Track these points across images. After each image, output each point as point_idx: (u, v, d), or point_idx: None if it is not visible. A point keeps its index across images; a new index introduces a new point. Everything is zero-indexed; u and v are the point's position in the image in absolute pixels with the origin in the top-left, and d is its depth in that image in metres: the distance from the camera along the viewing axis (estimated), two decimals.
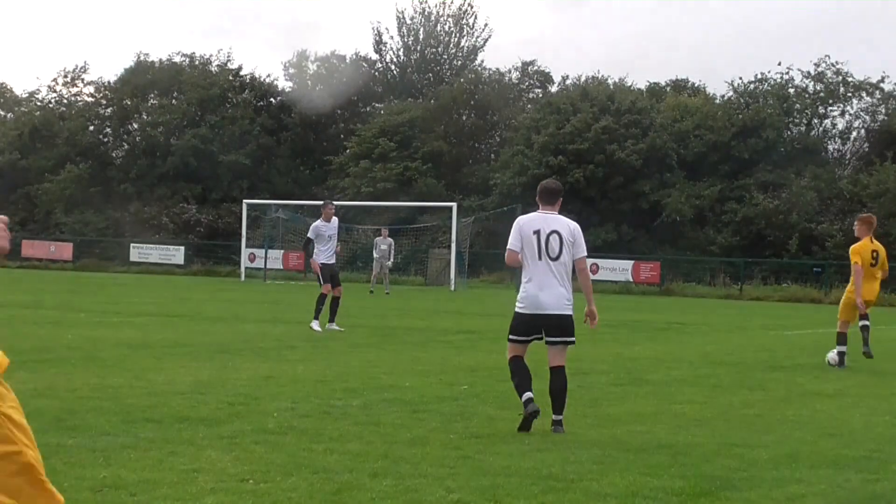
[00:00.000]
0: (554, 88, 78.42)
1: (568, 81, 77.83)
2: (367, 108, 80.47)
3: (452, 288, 52.56)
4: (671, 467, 9.47)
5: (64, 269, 65.40)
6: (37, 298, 33.54)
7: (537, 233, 11.47)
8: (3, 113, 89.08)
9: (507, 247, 11.64)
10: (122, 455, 9.29)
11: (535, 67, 79.56)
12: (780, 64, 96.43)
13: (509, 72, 79.27)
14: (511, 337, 11.70)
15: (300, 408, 12.08)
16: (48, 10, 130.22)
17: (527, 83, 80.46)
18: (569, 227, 11.66)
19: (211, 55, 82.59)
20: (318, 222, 25.23)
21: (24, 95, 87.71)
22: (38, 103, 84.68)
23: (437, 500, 8.11)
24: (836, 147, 73.39)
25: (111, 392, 12.88)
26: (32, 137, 79.91)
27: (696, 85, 77.02)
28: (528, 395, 11.15)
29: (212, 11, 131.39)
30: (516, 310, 11.66)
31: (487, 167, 72.24)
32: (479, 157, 77.16)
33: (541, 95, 78.35)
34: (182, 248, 68.15)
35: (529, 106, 77.10)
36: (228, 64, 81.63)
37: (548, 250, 11.45)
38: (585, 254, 11.73)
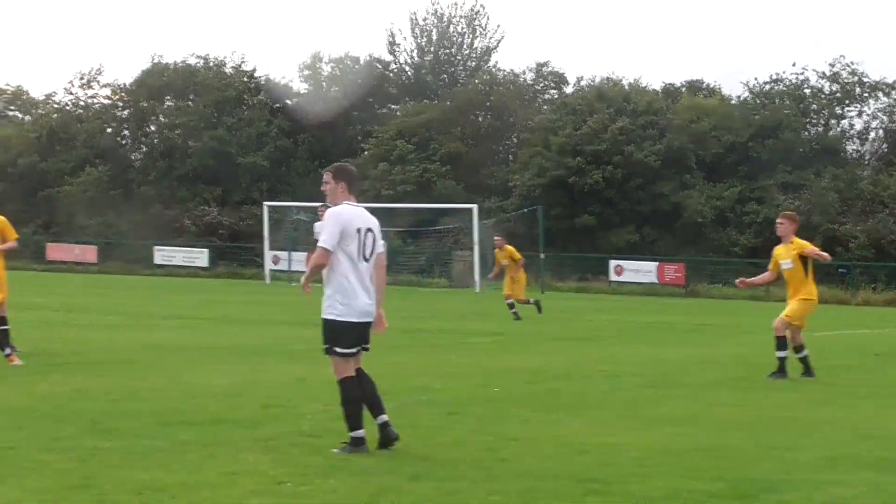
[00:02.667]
0: (569, 89, 78.18)
1: (583, 82, 77.62)
2: (384, 110, 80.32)
3: (477, 290, 52.51)
4: (711, 470, 9.42)
5: (89, 271, 65.51)
6: (64, 301, 33.66)
7: (359, 231, 10.16)
8: (21, 115, 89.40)
9: (323, 244, 10.15)
10: (160, 458, 9.31)
11: (549, 68, 79.37)
12: (794, 64, 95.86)
13: (524, 73, 79.19)
14: (339, 350, 10.34)
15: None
16: (62, 12, 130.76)
17: (542, 84, 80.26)
18: (376, 222, 10.40)
19: (225, 57, 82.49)
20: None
21: (40, 98, 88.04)
22: (55, 106, 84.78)
23: (478, 503, 8.08)
24: (854, 147, 73.04)
25: (146, 395, 12.91)
26: (51, 140, 79.85)
27: (711, 86, 76.69)
28: (360, 432, 10.04)
29: (225, 13, 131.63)
30: (338, 317, 10.32)
31: (506, 168, 72.12)
32: (498, 159, 76.97)
33: (556, 96, 78.16)
34: (206, 250, 68.13)
35: (545, 107, 76.89)
36: (243, 66, 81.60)
37: (365, 250, 10.20)
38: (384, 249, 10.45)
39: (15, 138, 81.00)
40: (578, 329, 28.20)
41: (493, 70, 79.31)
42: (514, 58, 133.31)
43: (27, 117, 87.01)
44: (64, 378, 14.14)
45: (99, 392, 12.95)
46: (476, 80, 76.84)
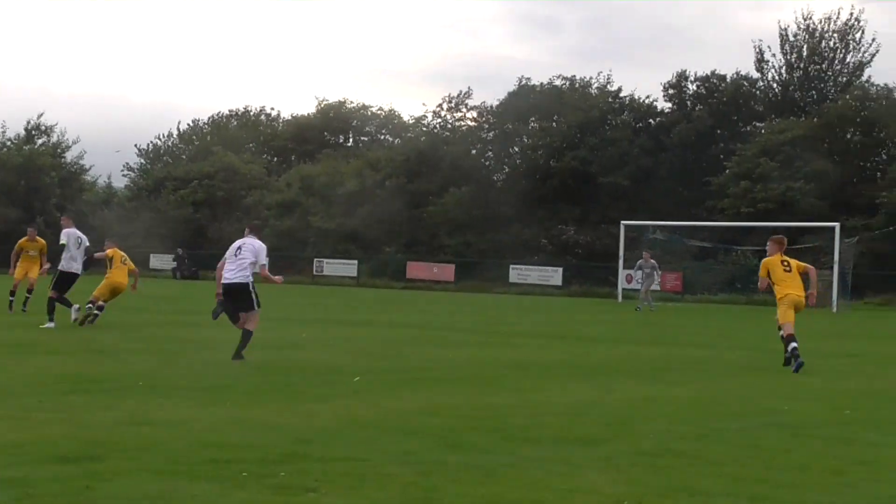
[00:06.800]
0: None
1: None
2: (748, 128, 79.07)
3: (835, 310, 51.16)
4: None
5: (446, 289, 67.23)
6: (423, 318, 34.71)
7: None
8: (391, 139, 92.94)
9: None
10: (501, 473, 9.44)
11: None
12: None
13: None
14: None
15: (676, 430, 12.00)
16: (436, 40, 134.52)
17: None
18: None
19: (591, 78, 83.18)
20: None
21: (410, 122, 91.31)
22: (424, 129, 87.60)
23: None
24: None
25: (492, 411, 13.16)
26: (419, 161, 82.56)
27: None
28: None
29: (592, 35, 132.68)
30: None
31: (874, 186, 69.65)
32: (866, 176, 74.35)
33: None
34: (560, 269, 69.02)
35: None
36: (608, 86, 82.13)
37: None
38: None
39: (385, 160, 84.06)
40: None
41: (866, 85, 76.68)
42: (889, 72, 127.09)
43: (397, 140, 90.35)
44: (413, 395, 14.58)
45: (448, 408, 13.30)
46: (847, 96, 74.38)
